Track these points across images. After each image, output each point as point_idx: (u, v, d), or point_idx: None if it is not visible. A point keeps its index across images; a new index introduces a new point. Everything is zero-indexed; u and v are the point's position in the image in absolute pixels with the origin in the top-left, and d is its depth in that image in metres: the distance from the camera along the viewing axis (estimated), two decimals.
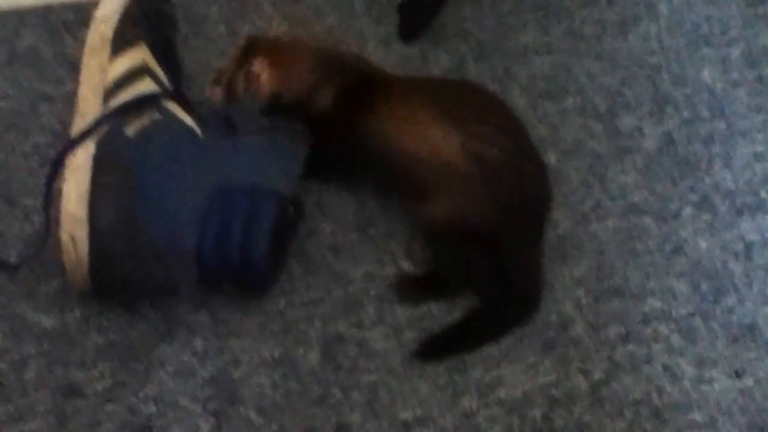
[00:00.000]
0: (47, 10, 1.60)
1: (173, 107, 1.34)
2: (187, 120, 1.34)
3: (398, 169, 1.33)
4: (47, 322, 1.33)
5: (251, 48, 1.38)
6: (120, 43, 1.37)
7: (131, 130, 1.30)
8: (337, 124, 1.35)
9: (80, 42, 1.48)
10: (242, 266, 1.30)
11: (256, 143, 1.37)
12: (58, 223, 1.29)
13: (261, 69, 1.36)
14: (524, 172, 1.31)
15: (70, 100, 1.44)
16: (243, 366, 1.30)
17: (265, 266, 1.32)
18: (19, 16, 1.58)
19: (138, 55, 1.37)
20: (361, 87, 1.36)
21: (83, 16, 1.55)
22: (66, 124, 1.43)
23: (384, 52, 1.58)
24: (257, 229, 1.29)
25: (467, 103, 1.34)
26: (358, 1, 1.61)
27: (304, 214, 1.38)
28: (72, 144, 1.30)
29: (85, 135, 1.30)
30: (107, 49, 1.36)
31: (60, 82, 1.52)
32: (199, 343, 1.32)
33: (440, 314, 1.37)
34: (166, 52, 1.42)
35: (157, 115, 1.33)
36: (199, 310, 1.33)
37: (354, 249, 1.39)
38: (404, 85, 1.38)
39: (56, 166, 1.31)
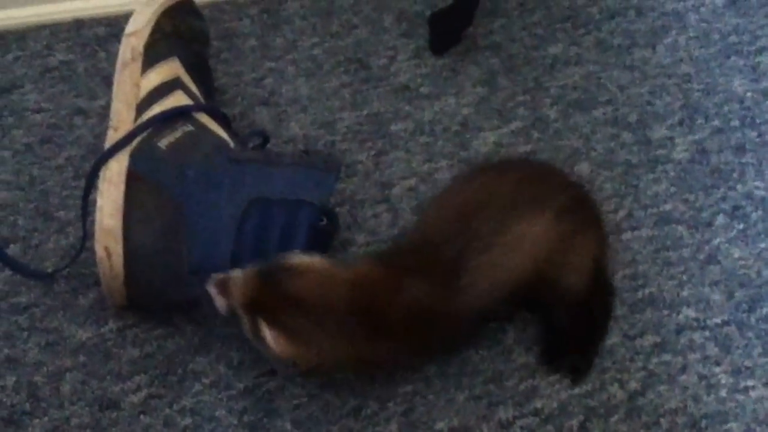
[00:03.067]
0: (79, 24, 1.59)
1: (206, 120, 1.32)
2: (220, 133, 1.32)
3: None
4: (83, 334, 1.30)
5: (266, 301, 1.17)
6: (152, 57, 1.35)
7: (164, 142, 1.29)
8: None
9: (112, 56, 1.48)
10: None
11: (290, 155, 1.34)
12: (93, 235, 1.24)
13: (274, 342, 1.17)
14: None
15: (103, 114, 1.43)
16: (278, 378, 1.26)
17: None
18: (52, 30, 1.58)
19: (170, 69, 1.35)
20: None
21: (115, 30, 1.56)
22: (100, 138, 1.42)
23: (414, 65, 1.56)
24: (293, 242, 1.26)
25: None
26: (388, 15, 1.59)
27: (338, 226, 1.34)
28: (106, 157, 1.28)
29: (118, 148, 1.29)
30: (139, 63, 1.34)
31: (93, 96, 1.50)
32: (234, 355, 1.29)
33: None
34: (198, 66, 1.40)
35: (190, 128, 1.31)
36: (234, 323, 1.28)
37: None
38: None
39: (91, 179, 1.29)
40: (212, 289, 1.17)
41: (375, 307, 1.17)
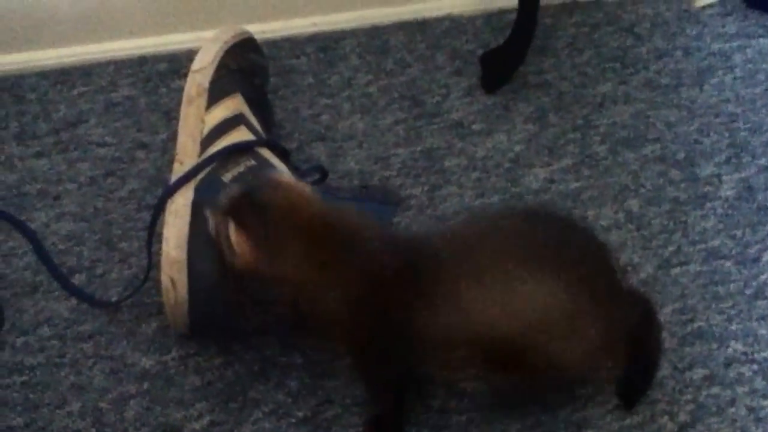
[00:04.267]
0: (142, 61, 1.61)
1: (267, 155, 1.33)
2: (281, 167, 1.33)
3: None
4: (146, 362, 1.31)
5: (236, 206, 1.16)
6: (217, 93, 1.36)
7: (228, 176, 1.29)
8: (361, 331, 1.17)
9: (173, 91, 1.50)
10: None
11: (350, 189, 1.34)
12: (158, 266, 1.25)
13: (237, 242, 1.16)
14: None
15: (164, 148, 1.45)
16: (336, 406, 1.27)
17: None
18: (116, 67, 1.59)
19: (233, 104, 1.36)
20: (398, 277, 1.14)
21: (176, 66, 1.58)
22: (162, 171, 1.43)
23: (466, 102, 1.56)
24: None
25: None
26: (441, 54, 1.60)
27: None
28: (172, 189, 1.29)
29: (184, 181, 1.30)
30: (204, 99, 1.35)
31: (155, 130, 1.51)
32: (293, 384, 1.29)
33: None
34: (259, 102, 1.41)
35: (252, 162, 1.32)
36: (292, 352, 1.31)
37: None
38: (453, 263, 1.15)
39: (157, 211, 1.30)
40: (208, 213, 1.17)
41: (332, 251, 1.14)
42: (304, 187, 1.19)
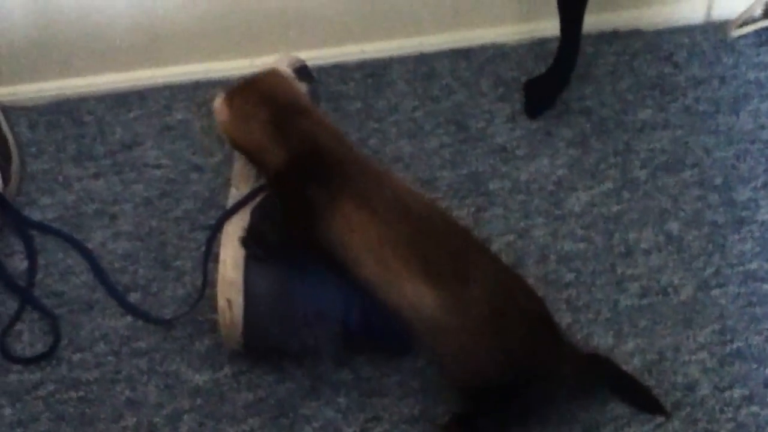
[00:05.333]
0: (196, 86, 1.60)
1: None
2: None
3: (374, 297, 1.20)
4: (200, 378, 1.30)
5: (236, 86, 1.27)
6: None
7: None
8: (292, 194, 1.22)
9: None
10: (386, 334, 1.27)
11: None
12: (214, 285, 1.25)
13: (219, 109, 1.26)
14: (511, 312, 1.19)
15: (217, 170, 1.44)
16: (385, 422, 1.26)
17: (408, 335, 1.27)
18: (171, 91, 1.59)
19: None
20: (321, 168, 1.22)
21: None
22: (215, 192, 1.43)
23: (510, 127, 1.55)
24: None
25: (443, 248, 1.20)
26: (485, 80, 1.58)
27: None
28: (229, 213, 1.28)
29: (240, 205, 1.29)
30: None
31: (208, 153, 1.50)
32: (342, 401, 1.28)
33: None
34: None
35: None
36: (342, 369, 1.30)
37: None
38: (389, 204, 1.20)
39: (215, 233, 1.30)
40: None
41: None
42: (294, 82, 1.30)
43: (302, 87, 1.30)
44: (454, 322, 1.15)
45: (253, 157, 1.25)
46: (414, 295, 1.16)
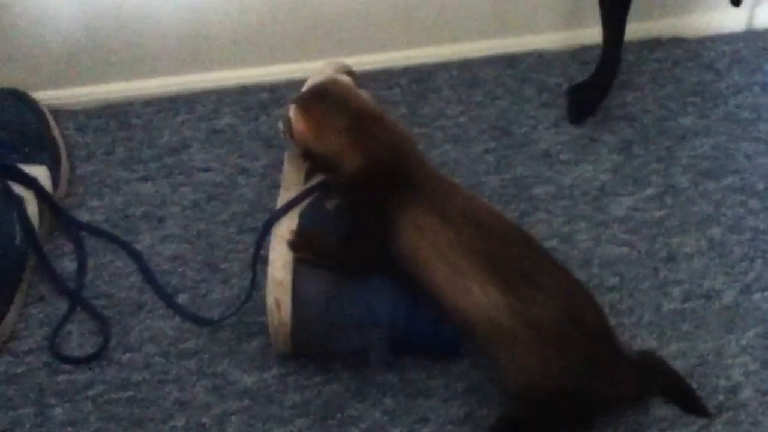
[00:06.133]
0: (243, 90, 1.59)
1: None
2: None
3: (443, 304, 1.19)
4: (248, 379, 1.29)
5: (303, 94, 1.27)
6: None
7: (331, 204, 1.26)
8: (367, 199, 1.22)
9: (274, 120, 1.49)
10: (432, 337, 1.26)
11: None
12: (262, 288, 1.25)
13: (295, 119, 1.25)
14: (579, 328, 1.17)
15: (264, 174, 1.44)
16: (431, 424, 1.25)
17: (455, 336, 1.28)
18: (219, 95, 1.58)
19: None
20: (396, 175, 1.22)
21: (276, 96, 1.57)
22: (262, 196, 1.43)
23: (554, 133, 1.54)
24: None
25: (512, 255, 1.19)
26: (529, 86, 1.57)
27: None
28: (278, 215, 1.27)
29: (289, 207, 1.28)
30: None
31: (255, 157, 1.49)
32: (389, 402, 1.27)
33: None
34: None
35: None
36: (388, 371, 1.29)
37: None
38: (457, 211, 1.20)
39: (263, 234, 1.29)
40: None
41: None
42: (359, 89, 1.29)
43: (365, 94, 1.27)
44: (521, 329, 1.14)
45: (327, 165, 1.24)
46: (484, 299, 1.15)
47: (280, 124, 1.27)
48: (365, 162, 1.20)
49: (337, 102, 1.23)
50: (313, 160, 1.26)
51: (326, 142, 1.22)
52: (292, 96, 1.33)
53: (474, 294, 1.15)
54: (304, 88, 1.33)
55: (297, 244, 1.21)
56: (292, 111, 1.23)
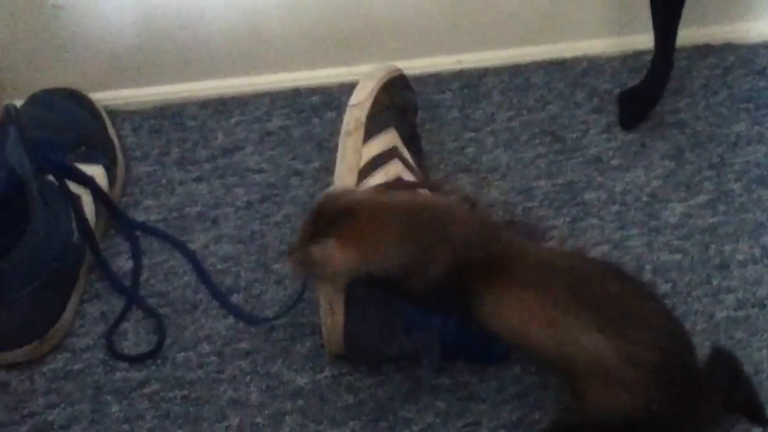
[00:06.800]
0: (295, 93, 1.59)
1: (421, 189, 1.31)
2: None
3: (539, 357, 1.17)
4: (301, 380, 1.30)
5: (321, 221, 1.12)
6: (372, 127, 1.35)
7: None
8: (447, 303, 1.17)
9: (326, 122, 1.49)
10: (484, 342, 1.26)
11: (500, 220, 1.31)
12: (313, 288, 1.26)
13: (331, 253, 1.11)
14: (679, 367, 1.14)
15: (316, 176, 1.44)
16: (483, 428, 1.25)
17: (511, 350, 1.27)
18: (271, 98, 1.59)
19: (388, 139, 1.35)
20: (478, 265, 1.13)
21: (328, 99, 1.56)
22: (314, 198, 1.44)
23: (605, 138, 1.54)
24: None
25: (613, 298, 1.13)
26: (580, 91, 1.56)
27: None
28: None
29: None
30: (361, 133, 1.34)
31: (308, 159, 1.49)
32: (441, 405, 1.27)
33: None
34: (410, 135, 1.40)
35: None
36: (440, 374, 1.28)
37: None
38: (535, 271, 1.14)
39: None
40: (288, 262, 1.14)
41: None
42: (365, 189, 1.20)
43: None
44: (626, 368, 1.10)
45: (393, 281, 1.13)
46: (591, 345, 1.11)
47: (287, 262, 1.18)
48: (453, 257, 1.12)
49: (371, 215, 1.12)
50: (374, 284, 1.16)
51: (383, 260, 1.12)
52: (346, 100, 1.36)
53: (582, 343, 1.11)
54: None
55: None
56: (329, 250, 1.10)
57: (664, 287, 1.35)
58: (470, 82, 1.61)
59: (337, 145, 1.34)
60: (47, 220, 1.26)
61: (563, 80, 1.58)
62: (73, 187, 1.33)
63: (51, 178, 1.30)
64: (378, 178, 1.30)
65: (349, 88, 1.41)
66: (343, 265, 1.10)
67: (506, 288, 1.13)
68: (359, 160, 1.32)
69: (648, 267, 1.37)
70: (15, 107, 1.23)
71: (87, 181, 1.33)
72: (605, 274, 1.16)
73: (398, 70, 1.42)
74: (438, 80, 1.61)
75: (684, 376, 1.14)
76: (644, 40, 1.53)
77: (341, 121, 1.38)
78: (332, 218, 1.10)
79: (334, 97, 1.56)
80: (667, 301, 1.31)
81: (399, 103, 1.39)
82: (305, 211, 1.41)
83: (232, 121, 1.56)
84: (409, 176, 1.33)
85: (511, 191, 1.46)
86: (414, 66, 1.54)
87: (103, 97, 1.52)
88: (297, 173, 1.49)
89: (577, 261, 1.19)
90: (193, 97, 1.59)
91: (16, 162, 1.20)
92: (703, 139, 1.52)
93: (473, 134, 1.53)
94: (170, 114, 1.55)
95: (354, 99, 1.37)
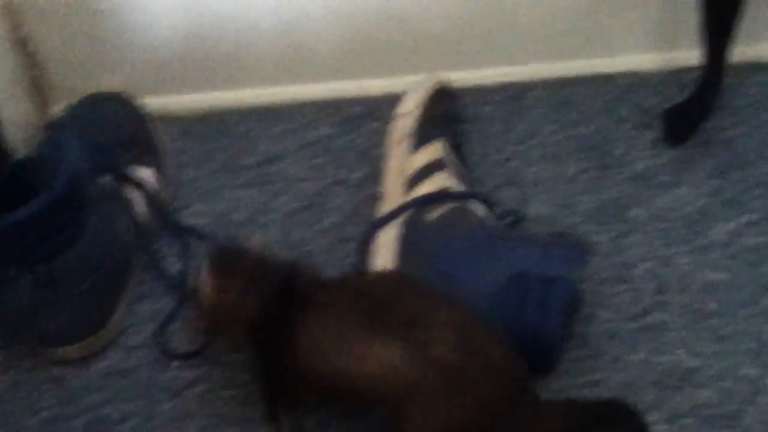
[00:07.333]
0: (339, 103, 1.60)
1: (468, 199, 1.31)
2: (480, 209, 1.30)
3: (354, 391, 1.14)
4: None
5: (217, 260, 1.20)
6: (420, 137, 1.37)
7: (434, 215, 1.29)
8: (269, 340, 1.18)
9: (369, 133, 1.50)
10: (535, 349, 1.24)
11: (544, 235, 1.33)
12: None
13: (205, 280, 1.18)
14: (482, 363, 1.12)
15: (360, 186, 1.45)
16: None
17: (557, 350, 1.28)
18: (315, 107, 1.59)
19: (436, 149, 1.35)
20: (285, 300, 1.16)
21: (371, 110, 1.56)
22: (358, 207, 1.44)
23: (650, 154, 1.53)
24: (548, 315, 1.23)
25: (402, 304, 1.14)
26: (625, 107, 1.56)
27: (582, 301, 1.31)
28: (380, 224, 1.29)
29: (391, 217, 1.30)
30: (409, 143, 1.35)
31: (351, 168, 1.50)
32: None
33: (720, 401, 1.27)
34: (456, 147, 1.40)
35: (454, 206, 1.31)
36: None
37: (630, 336, 1.32)
38: (330, 296, 1.16)
39: (365, 243, 1.31)
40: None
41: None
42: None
43: None
44: (425, 374, 1.09)
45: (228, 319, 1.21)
46: (385, 354, 1.11)
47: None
48: (259, 303, 1.18)
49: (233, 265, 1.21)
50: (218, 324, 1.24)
51: (229, 295, 1.20)
52: (389, 111, 1.40)
53: (376, 354, 1.11)
54: None
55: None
56: (204, 273, 1.19)
57: (711, 306, 1.35)
58: (514, 95, 1.61)
59: (379, 155, 1.34)
60: (102, 221, 1.27)
61: (607, 95, 1.58)
62: (125, 189, 1.33)
63: (105, 180, 1.30)
64: (425, 188, 1.30)
65: (392, 99, 1.43)
66: (209, 293, 1.17)
67: (317, 327, 1.15)
68: (407, 169, 1.32)
69: (694, 286, 1.36)
70: (72, 110, 1.23)
71: (139, 184, 1.34)
72: (395, 284, 1.17)
73: (445, 81, 1.43)
74: (481, 92, 1.61)
75: (495, 376, 1.12)
76: (689, 56, 1.53)
77: (384, 131, 1.39)
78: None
79: (377, 108, 1.57)
80: (714, 320, 1.32)
81: (446, 113, 1.40)
82: (349, 220, 1.42)
83: (276, 129, 1.57)
84: (456, 187, 1.32)
85: (555, 205, 1.46)
86: (457, 78, 1.54)
87: (150, 103, 1.52)
88: (340, 182, 1.50)
89: (363, 280, 1.21)
90: (239, 104, 1.60)
91: (74, 164, 1.21)
92: (750, 158, 1.51)
93: (517, 147, 1.53)
94: (215, 120, 1.56)
95: (402, 109, 1.38)
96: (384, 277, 1.22)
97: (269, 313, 1.14)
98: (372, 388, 1.13)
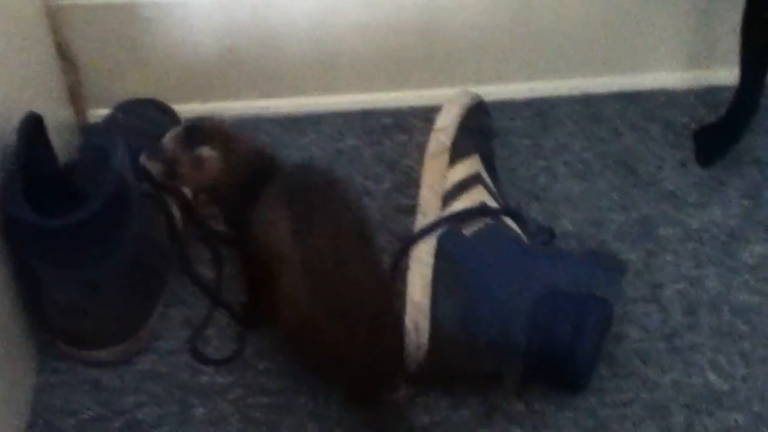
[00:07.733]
0: (367, 114, 1.60)
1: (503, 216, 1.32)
2: (514, 226, 1.31)
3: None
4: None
5: (194, 134, 1.26)
6: (457, 152, 1.37)
7: (469, 231, 1.29)
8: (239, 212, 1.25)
9: (396, 144, 1.52)
10: (566, 367, 1.26)
11: (579, 253, 1.32)
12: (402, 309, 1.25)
13: (208, 156, 1.24)
14: (351, 270, 1.19)
15: (387, 197, 1.46)
16: None
17: (588, 369, 1.29)
18: (344, 118, 1.60)
19: (472, 164, 1.36)
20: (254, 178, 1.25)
21: (399, 121, 1.57)
22: (386, 217, 1.45)
23: (681, 174, 1.53)
24: (583, 333, 1.23)
25: (308, 198, 1.22)
26: (655, 126, 1.57)
27: (612, 320, 1.31)
28: (416, 238, 1.29)
29: (428, 231, 1.29)
30: (446, 157, 1.36)
31: (378, 179, 1.51)
32: (516, 430, 1.26)
33: (751, 426, 1.29)
34: (490, 161, 1.41)
35: (490, 221, 1.32)
36: (516, 399, 1.28)
37: (660, 357, 1.33)
38: (275, 184, 1.24)
39: (400, 256, 1.30)
40: (143, 158, 1.27)
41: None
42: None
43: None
44: (299, 255, 1.20)
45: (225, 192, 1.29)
46: (280, 227, 1.21)
47: (144, 159, 1.30)
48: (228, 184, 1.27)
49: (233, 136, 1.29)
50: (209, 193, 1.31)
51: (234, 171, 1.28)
52: (417, 123, 1.45)
53: (276, 227, 1.19)
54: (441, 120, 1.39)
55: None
56: (206, 152, 1.26)
57: (742, 328, 1.36)
58: (542, 110, 1.61)
59: (407, 166, 1.33)
60: (143, 226, 1.27)
61: (637, 112, 1.59)
62: (163, 194, 1.33)
63: (144, 185, 1.30)
64: (462, 203, 1.31)
65: (420, 111, 1.47)
66: (213, 170, 1.23)
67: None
68: (444, 184, 1.33)
69: (725, 307, 1.37)
70: (122, 114, 1.23)
71: (174, 189, 1.34)
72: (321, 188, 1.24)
73: (479, 96, 1.43)
74: (510, 107, 1.61)
75: (357, 287, 1.20)
76: (721, 75, 1.54)
77: (412, 143, 1.41)
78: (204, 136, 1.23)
79: (406, 120, 1.57)
80: (745, 343, 1.33)
81: (481, 129, 1.41)
82: (376, 230, 1.41)
83: (305, 138, 1.57)
84: (492, 202, 1.32)
85: (584, 222, 1.46)
86: (485, 92, 1.53)
87: (182, 110, 1.52)
88: (368, 193, 1.51)
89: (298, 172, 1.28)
90: (268, 113, 1.60)
91: (121, 168, 1.21)
92: None
93: (545, 163, 1.53)
94: (246, 128, 1.54)
95: (439, 123, 1.38)
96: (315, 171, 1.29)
97: (243, 186, 1.23)
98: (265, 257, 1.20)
